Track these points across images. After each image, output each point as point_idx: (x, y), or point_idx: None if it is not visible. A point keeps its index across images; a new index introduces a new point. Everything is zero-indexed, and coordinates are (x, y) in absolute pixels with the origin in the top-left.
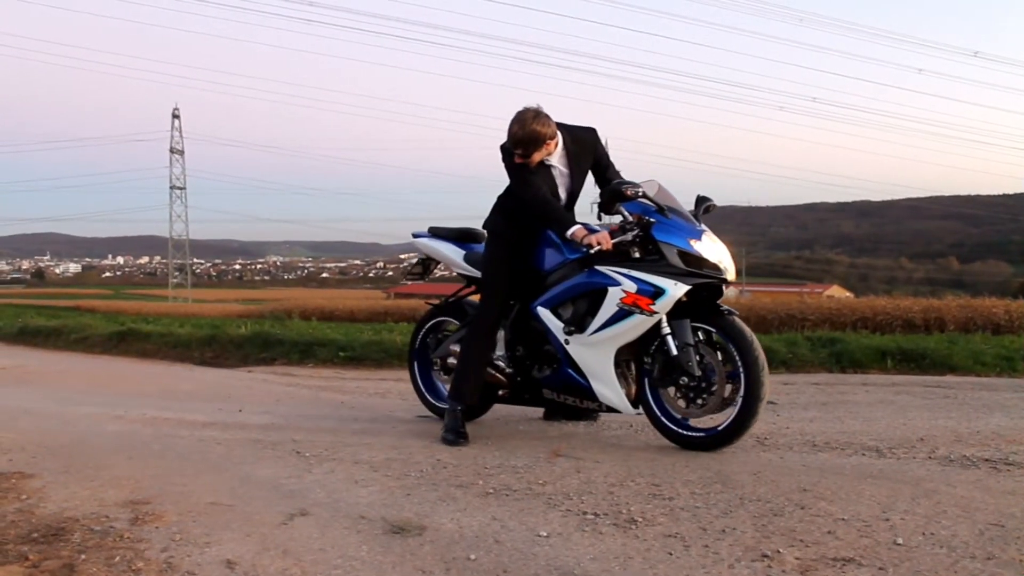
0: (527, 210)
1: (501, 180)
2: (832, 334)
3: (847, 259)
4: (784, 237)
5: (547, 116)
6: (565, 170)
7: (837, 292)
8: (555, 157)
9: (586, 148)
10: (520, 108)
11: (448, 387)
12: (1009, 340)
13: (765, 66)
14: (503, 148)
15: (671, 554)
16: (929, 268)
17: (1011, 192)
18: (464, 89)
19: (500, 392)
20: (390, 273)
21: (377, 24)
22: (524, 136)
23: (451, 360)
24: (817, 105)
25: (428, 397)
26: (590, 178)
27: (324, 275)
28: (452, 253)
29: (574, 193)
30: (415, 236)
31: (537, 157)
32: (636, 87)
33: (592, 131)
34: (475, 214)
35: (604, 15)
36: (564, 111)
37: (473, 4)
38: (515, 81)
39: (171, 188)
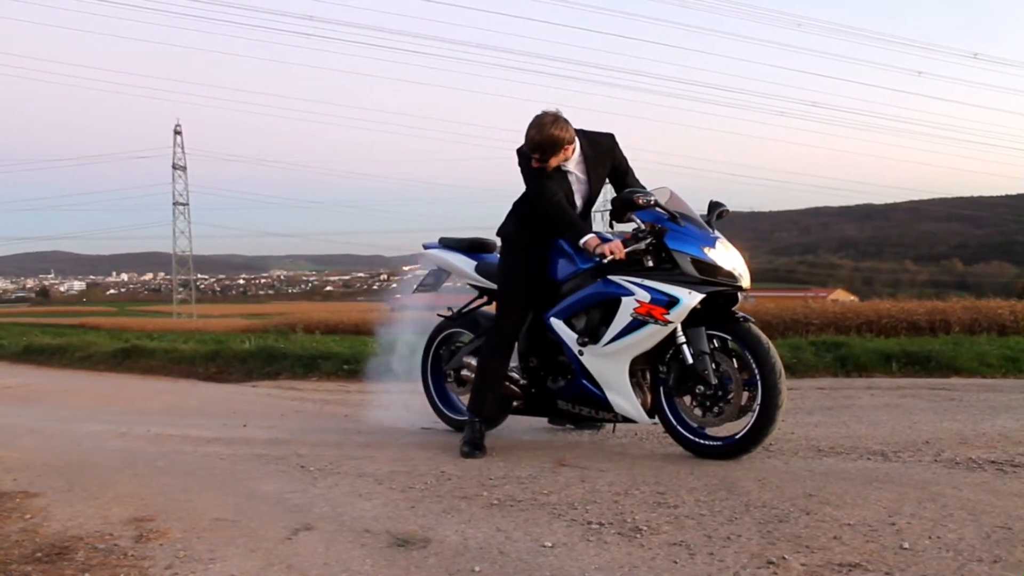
0: (542, 216)
1: (502, 189)
2: (836, 338)
3: (851, 263)
4: (787, 242)
5: (566, 120)
6: (582, 176)
7: (841, 296)
8: (572, 163)
9: (604, 154)
10: (539, 112)
11: (461, 398)
12: (1015, 341)
13: (765, 72)
14: (520, 152)
15: (676, 562)
16: (933, 270)
17: (1014, 193)
18: (465, 100)
19: (515, 403)
20: (393, 285)
21: (376, 37)
22: (542, 140)
23: (464, 372)
24: (817, 109)
25: (442, 409)
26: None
27: (328, 288)
28: (463, 264)
29: (590, 200)
30: (426, 247)
31: (554, 162)
32: (635, 95)
33: (610, 137)
34: (479, 224)
35: (600, 24)
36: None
37: (470, 16)
38: (516, 92)
39: (174, 204)
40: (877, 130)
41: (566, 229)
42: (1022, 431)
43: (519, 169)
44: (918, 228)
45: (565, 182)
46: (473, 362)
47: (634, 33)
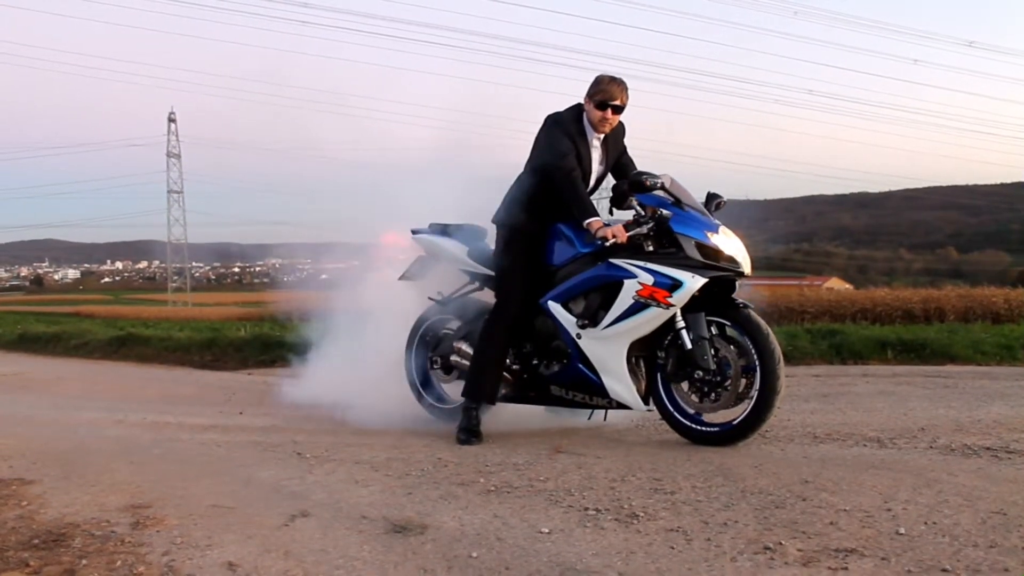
0: (555, 185)
1: (500, 179)
2: (832, 326)
3: (846, 251)
4: (782, 230)
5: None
6: (601, 156)
7: (836, 284)
8: (598, 141)
9: (618, 139)
10: (604, 74)
11: (444, 386)
12: (1009, 329)
13: (760, 59)
14: (554, 118)
15: (673, 548)
16: (928, 259)
17: (1008, 181)
18: (462, 88)
19: (504, 390)
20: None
21: (372, 24)
22: (622, 99)
23: (453, 358)
24: (813, 97)
25: (424, 395)
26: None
27: (324, 276)
28: (455, 249)
29: (600, 180)
30: (415, 233)
31: (607, 128)
32: (630, 82)
33: (622, 124)
34: (480, 209)
35: (591, 11)
36: (552, 107)
37: (467, 2)
38: (511, 79)
39: (168, 192)
40: (873, 118)
41: (575, 205)
42: (1017, 418)
43: (542, 133)
44: (913, 216)
45: (589, 157)
46: (464, 348)
47: (625, 19)
